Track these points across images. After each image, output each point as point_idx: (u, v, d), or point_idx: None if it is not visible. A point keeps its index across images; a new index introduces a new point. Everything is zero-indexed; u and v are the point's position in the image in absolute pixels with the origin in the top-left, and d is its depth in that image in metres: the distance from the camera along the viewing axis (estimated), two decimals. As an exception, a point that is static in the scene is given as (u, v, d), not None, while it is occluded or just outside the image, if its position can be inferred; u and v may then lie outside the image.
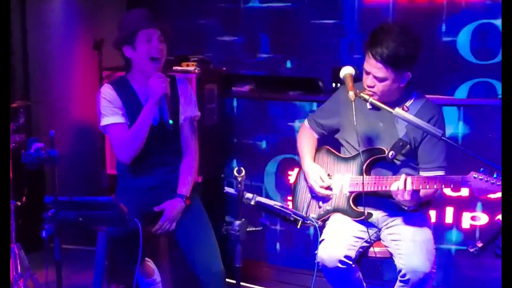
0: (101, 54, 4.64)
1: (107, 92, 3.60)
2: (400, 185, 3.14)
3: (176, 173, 3.72)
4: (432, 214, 4.15)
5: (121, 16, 3.63)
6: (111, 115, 3.57)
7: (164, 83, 3.48)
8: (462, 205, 4.25)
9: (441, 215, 4.27)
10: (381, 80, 3.25)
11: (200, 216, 3.70)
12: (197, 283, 3.60)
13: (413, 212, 3.37)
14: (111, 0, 5.46)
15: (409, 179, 3.15)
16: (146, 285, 3.71)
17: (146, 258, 3.75)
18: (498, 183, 2.98)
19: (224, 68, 4.89)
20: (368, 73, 3.28)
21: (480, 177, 3.03)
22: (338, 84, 4.51)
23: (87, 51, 4.94)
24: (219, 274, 3.59)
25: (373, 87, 3.28)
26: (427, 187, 3.18)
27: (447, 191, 4.18)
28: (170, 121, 3.47)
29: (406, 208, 3.31)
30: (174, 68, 4.49)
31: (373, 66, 3.24)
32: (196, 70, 4.47)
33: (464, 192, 4.18)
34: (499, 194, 3.79)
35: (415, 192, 3.18)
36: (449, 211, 4.27)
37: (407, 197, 3.16)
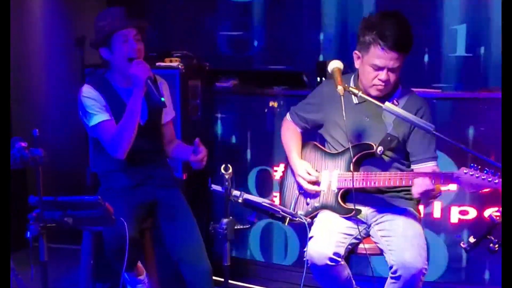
0: (83, 51, 4.58)
1: (90, 92, 3.52)
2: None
3: (158, 169, 3.69)
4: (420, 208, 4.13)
5: (96, 16, 3.55)
6: (99, 113, 3.49)
7: (145, 67, 3.43)
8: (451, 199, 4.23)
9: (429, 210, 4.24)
10: (395, 70, 3.19)
11: (184, 214, 3.63)
12: (183, 283, 3.55)
13: (402, 207, 3.34)
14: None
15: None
16: (136, 283, 3.65)
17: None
18: (489, 179, 2.93)
19: (207, 64, 4.83)
20: (381, 69, 3.18)
21: (470, 172, 2.98)
22: (323, 78, 4.49)
23: (68, 48, 4.87)
24: (205, 273, 3.54)
25: (388, 80, 3.21)
26: None
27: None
28: (162, 99, 3.39)
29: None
30: (158, 64, 4.46)
31: (388, 59, 3.14)
32: (180, 66, 4.44)
33: (452, 186, 4.15)
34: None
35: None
36: (437, 206, 4.25)
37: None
